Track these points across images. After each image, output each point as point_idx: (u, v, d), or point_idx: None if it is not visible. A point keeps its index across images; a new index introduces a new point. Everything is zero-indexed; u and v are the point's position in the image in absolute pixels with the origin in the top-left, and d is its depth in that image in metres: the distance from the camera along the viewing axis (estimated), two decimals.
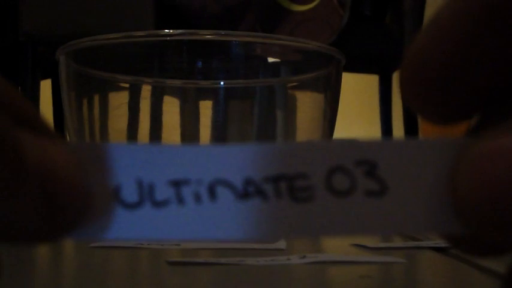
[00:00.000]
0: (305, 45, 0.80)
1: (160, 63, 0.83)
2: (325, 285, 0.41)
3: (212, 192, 0.17)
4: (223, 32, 0.77)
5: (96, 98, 0.82)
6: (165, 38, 0.78)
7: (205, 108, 0.87)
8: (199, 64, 0.83)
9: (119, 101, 0.84)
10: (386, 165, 0.17)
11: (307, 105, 0.84)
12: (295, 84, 0.86)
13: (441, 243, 0.51)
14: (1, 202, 0.16)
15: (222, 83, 0.83)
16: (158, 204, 0.17)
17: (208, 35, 0.77)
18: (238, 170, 0.17)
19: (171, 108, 0.87)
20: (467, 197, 0.15)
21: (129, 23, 1.53)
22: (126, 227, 0.17)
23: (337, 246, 0.59)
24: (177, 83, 0.86)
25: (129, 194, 0.17)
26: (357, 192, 0.17)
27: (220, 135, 0.88)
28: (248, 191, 0.17)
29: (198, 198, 0.17)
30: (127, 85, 0.85)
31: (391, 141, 0.17)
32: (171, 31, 0.77)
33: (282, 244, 0.50)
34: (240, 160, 0.17)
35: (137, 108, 0.86)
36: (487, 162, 0.15)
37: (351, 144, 0.17)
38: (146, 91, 0.85)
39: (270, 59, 0.83)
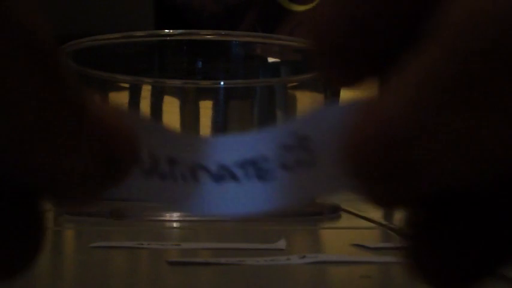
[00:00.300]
0: (305, 45, 0.80)
1: (160, 63, 0.83)
2: (325, 285, 0.41)
3: (194, 174, 0.20)
4: (223, 32, 0.77)
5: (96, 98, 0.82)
6: (165, 38, 0.78)
7: (205, 108, 0.87)
8: (199, 64, 0.83)
9: (119, 101, 0.84)
10: (316, 136, 0.18)
11: (307, 105, 0.84)
12: (295, 84, 0.87)
13: None
14: (64, 153, 0.16)
15: (222, 83, 0.83)
16: (161, 176, 0.19)
17: (208, 35, 0.77)
18: (213, 157, 0.20)
19: (171, 108, 0.87)
20: (345, 156, 0.17)
21: (129, 23, 1.53)
22: (142, 191, 0.19)
23: (337, 246, 0.59)
24: (177, 83, 0.86)
25: (144, 162, 0.19)
26: (299, 165, 0.19)
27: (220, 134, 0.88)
28: (222, 174, 0.19)
29: (184, 177, 0.19)
30: (127, 85, 0.85)
31: (318, 111, 0.18)
32: (171, 31, 0.77)
33: (282, 244, 0.50)
34: (213, 149, 0.20)
35: (137, 108, 0.86)
36: (359, 123, 0.16)
37: (290, 123, 0.19)
38: (146, 91, 0.85)
39: (270, 59, 0.84)
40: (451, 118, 0.15)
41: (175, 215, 0.71)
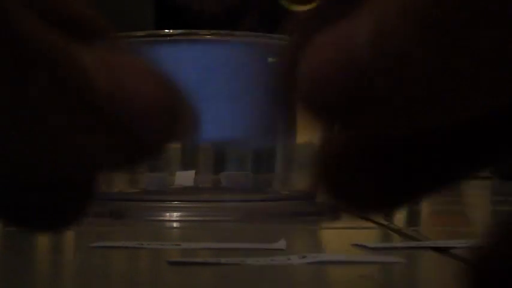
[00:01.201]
0: None
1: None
2: (325, 285, 0.41)
3: None
4: (223, 32, 0.77)
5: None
6: (165, 38, 0.78)
7: None
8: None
9: None
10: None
11: None
12: None
13: (441, 243, 0.51)
14: (73, 138, 0.13)
15: None
16: None
17: (208, 35, 0.77)
18: None
19: None
20: (300, 86, 0.15)
21: (129, 23, 1.53)
22: None
23: (337, 246, 0.59)
24: None
25: None
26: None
27: None
28: None
29: None
30: None
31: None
32: (171, 31, 0.77)
33: (282, 244, 0.50)
34: None
35: None
36: (312, 52, 0.15)
37: None
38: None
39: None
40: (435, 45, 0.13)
41: (175, 215, 0.71)
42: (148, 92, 0.14)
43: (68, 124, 0.13)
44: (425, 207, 1.14)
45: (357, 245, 0.51)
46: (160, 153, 0.15)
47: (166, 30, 0.77)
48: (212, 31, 0.77)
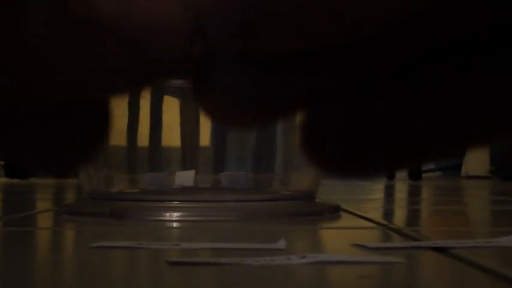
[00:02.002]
0: None
1: None
2: (325, 285, 0.41)
3: None
4: None
5: None
6: None
7: None
8: None
9: (118, 100, 0.84)
10: None
11: None
12: None
13: (441, 243, 0.51)
14: (84, 56, 0.13)
15: None
16: None
17: None
18: None
19: (171, 108, 0.87)
20: None
21: None
22: None
23: (337, 246, 0.59)
24: (177, 83, 0.86)
25: None
26: None
27: (220, 135, 0.88)
28: None
29: None
30: None
31: None
32: None
33: (282, 244, 0.50)
34: None
35: (137, 108, 0.86)
36: None
37: None
38: (146, 91, 0.85)
39: None
40: None
41: (175, 215, 0.71)
42: (157, 11, 0.13)
43: (75, 43, 0.13)
44: (425, 207, 1.14)
45: (357, 245, 0.51)
46: (177, 76, 0.14)
47: None
48: None
